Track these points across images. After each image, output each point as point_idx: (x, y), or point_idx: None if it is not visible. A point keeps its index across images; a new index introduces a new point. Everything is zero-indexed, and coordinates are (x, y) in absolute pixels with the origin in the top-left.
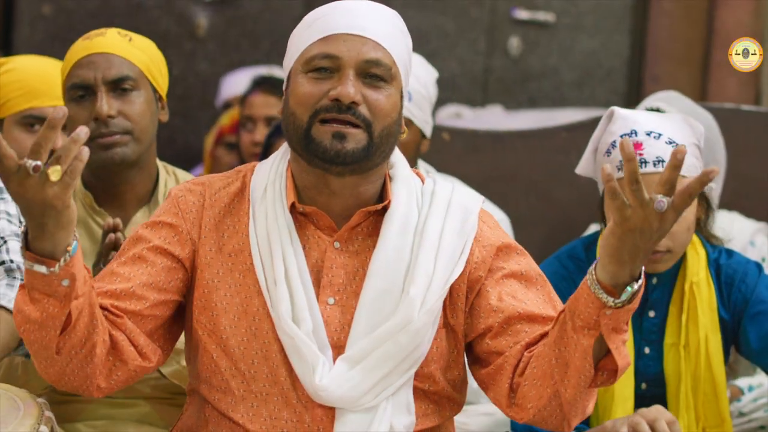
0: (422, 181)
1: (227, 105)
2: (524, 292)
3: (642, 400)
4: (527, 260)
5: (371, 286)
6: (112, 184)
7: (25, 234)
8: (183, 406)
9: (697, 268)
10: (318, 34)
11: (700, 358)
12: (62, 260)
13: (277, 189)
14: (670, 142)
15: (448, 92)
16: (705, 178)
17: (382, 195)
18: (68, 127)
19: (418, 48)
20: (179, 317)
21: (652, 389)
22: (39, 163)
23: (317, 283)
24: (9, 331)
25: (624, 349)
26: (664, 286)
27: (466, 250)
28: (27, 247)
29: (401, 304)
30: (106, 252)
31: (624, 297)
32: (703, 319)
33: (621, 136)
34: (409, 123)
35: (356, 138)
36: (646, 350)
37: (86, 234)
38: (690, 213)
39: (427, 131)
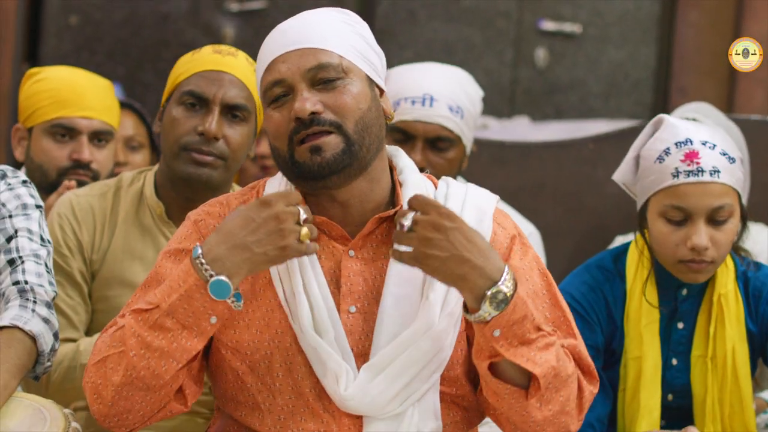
0: (435, 185)
1: None
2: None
3: (668, 411)
4: (531, 268)
5: (390, 293)
6: (186, 199)
7: (200, 255)
8: (205, 418)
9: (726, 280)
10: (263, 66)
11: (727, 370)
12: (240, 300)
13: None
14: (724, 154)
15: None
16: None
17: (394, 201)
18: (165, 129)
19: (445, 60)
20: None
21: (678, 400)
22: (309, 217)
23: (337, 292)
24: (26, 352)
25: (541, 355)
26: (693, 298)
27: None
28: (203, 263)
29: (421, 309)
30: None
31: (485, 305)
32: (731, 331)
33: (675, 144)
34: (459, 140)
35: (332, 144)
36: (674, 361)
37: (152, 243)
38: (735, 225)
39: (469, 149)
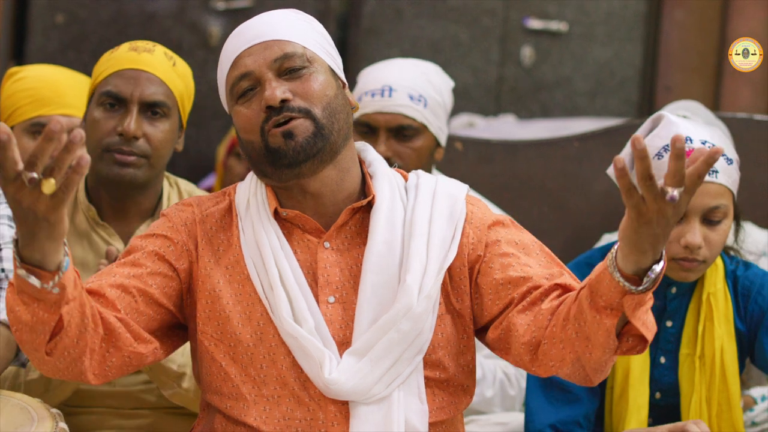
0: (405, 178)
1: None
2: (525, 259)
3: (656, 409)
4: (520, 231)
5: (368, 280)
6: (117, 200)
7: (16, 240)
8: (191, 415)
9: (715, 279)
10: (227, 64)
11: (715, 368)
12: (56, 277)
13: (259, 199)
14: (722, 155)
15: (461, 102)
16: (711, 159)
17: (365, 192)
18: (88, 132)
19: (431, 58)
20: (178, 328)
21: (666, 399)
22: (35, 175)
23: (315, 284)
24: (5, 342)
25: (650, 318)
26: (682, 297)
27: (458, 235)
28: (18, 252)
29: (399, 292)
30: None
31: (646, 283)
32: (719, 330)
33: None
34: (424, 129)
35: (302, 127)
36: (662, 359)
37: (89, 247)
38: (729, 226)
39: (442, 139)
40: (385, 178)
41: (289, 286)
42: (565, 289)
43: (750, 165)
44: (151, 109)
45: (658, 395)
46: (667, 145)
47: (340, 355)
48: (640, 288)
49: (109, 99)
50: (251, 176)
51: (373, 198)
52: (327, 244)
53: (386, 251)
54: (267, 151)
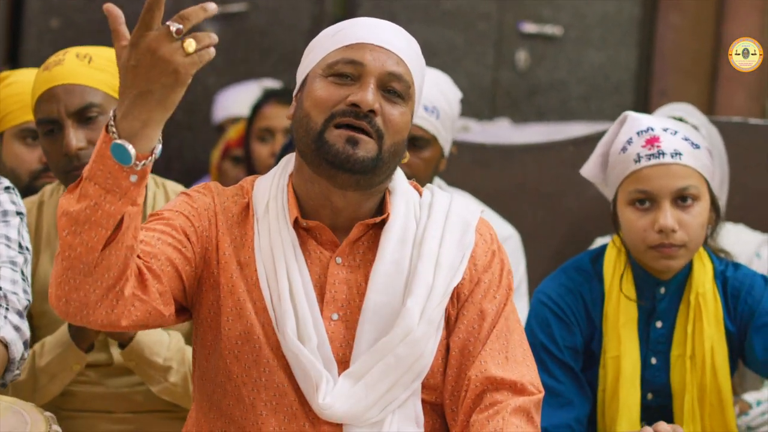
0: (420, 193)
1: (221, 127)
2: (484, 342)
3: (648, 410)
4: (503, 291)
5: (372, 300)
6: None
7: (114, 116)
8: (182, 418)
9: (704, 280)
10: (343, 41)
11: (706, 369)
12: (148, 159)
13: (280, 204)
14: (686, 139)
15: None
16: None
17: (381, 208)
18: (47, 160)
19: (425, 62)
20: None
21: (658, 400)
22: (182, 27)
23: (321, 299)
24: None
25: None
26: (671, 297)
27: (465, 261)
28: (114, 125)
29: (400, 316)
30: None
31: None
32: (709, 330)
33: (637, 133)
34: (434, 140)
35: (368, 146)
36: (653, 360)
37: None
38: (704, 210)
39: (447, 150)
40: (403, 196)
41: (297, 301)
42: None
43: (744, 169)
44: (84, 116)
45: (650, 396)
46: (630, 139)
47: (339, 374)
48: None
49: (46, 126)
50: (273, 176)
51: (387, 215)
52: (338, 260)
53: (394, 271)
54: (319, 137)
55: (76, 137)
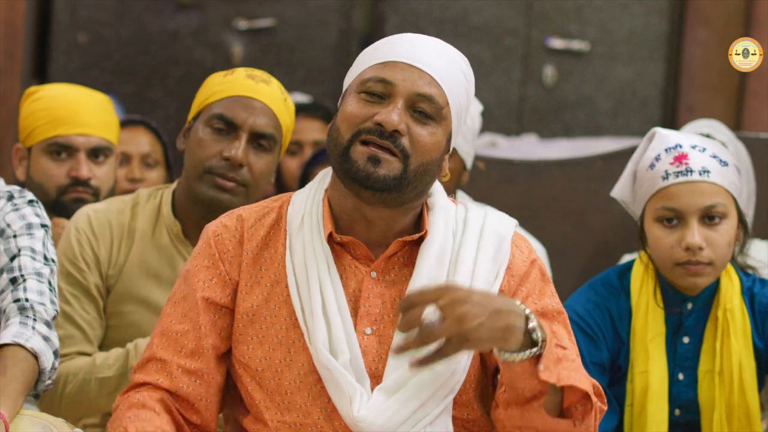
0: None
1: None
2: None
3: (676, 426)
4: (547, 294)
5: None
6: (203, 219)
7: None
8: None
9: (731, 295)
10: (379, 58)
11: (734, 385)
12: None
13: (314, 219)
14: (714, 157)
15: (483, 121)
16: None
17: (419, 224)
18: (190, 149)
19: None
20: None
21: (685, 416)
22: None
23: (355, 313)
24: (30, 370)
25: (572, 374)
26: (698, 313)
27: (500, 276)
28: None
29: None
30: None
31: (535, 341)
32: (737, 346)
33: (665, 150)
34: (454, 152)
35: (390, 166)
36: (680, 376)
37: (167, 261)
38: (732, 227)
39: (469, 163)
40: (442, 213)
41: (330, 315)
42: None
43: None
44: (259, 140)
45: (677, 412)
46: (659, 155)
47: (372, 389)
48: (533, 350)
49: (220, 122)
50: (309, 190)
51: (425, 233)
52: (374, 274)
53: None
54: (344, 152)
55: (244, 152)
